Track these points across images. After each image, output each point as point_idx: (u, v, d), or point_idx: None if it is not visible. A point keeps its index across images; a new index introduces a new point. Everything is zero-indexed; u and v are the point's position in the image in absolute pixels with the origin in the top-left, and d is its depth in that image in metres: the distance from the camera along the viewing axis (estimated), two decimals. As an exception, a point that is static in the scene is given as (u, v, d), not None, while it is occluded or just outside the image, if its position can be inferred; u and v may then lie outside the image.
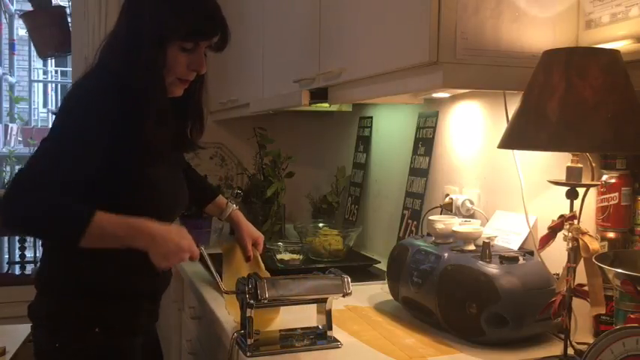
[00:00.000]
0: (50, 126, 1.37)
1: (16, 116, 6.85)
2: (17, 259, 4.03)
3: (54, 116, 1.39)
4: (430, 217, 1.63)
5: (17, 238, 4.01)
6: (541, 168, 1.50)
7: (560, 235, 1.19)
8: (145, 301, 1.49)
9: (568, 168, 1.17)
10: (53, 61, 8.11)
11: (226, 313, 1.49)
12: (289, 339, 1.38)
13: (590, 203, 1.31)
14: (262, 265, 1.66)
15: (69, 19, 3.46)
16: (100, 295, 1.38)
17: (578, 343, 1.23)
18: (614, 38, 1.17)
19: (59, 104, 1.38)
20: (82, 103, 1.33)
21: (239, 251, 1.68)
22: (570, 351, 1.21)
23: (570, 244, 1.16)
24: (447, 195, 1.85)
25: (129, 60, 1.34)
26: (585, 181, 1.20)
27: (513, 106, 1.24)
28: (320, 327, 1.39)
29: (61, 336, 1.37)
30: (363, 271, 2.05)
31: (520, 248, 1.53)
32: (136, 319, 1.46)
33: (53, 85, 9.16)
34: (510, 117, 1.28)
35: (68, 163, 1.26)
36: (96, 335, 1.37)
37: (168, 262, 1.29)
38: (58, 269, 1.40)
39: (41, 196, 1.22)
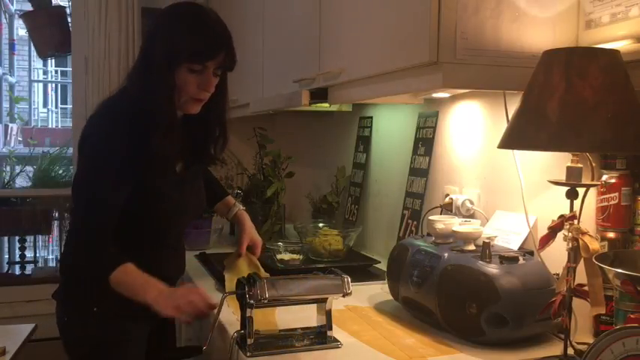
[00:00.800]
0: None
1: (16, 116, 6.84)
2: (17, 259, 4.03)
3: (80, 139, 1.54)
4: (430, 217, 1.63)
5: (17, 238, 4.01)
6: (541, 168, 1.49)
7: (560, 235, 1.19)
8: None
9: (568, 168, 1.17)
10: (53, 61, 8.10)
11: (226, 313, 1.48)
12: (289, 339, 1.38)
13: (590, 203, 1.31)
14: (262, 270, 1.67)
15: (69, 19, 3.46)
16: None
17: (578, 343, 1.23)
18: (614, 38, 1.17)
19: (84, 129, 1.52)
20: (101, 136, 1.46)
21: (240, 259, 1.70)
22: (570, 351, 1.21)
23: (570, 244, 1.16)
24: (447, 195, 1.85)
25: (142, 83, 1.46)
26: (585, 181, 1.20)
27: (513, 106, 1.24)
28: (320, 327, 1.39)
29: (69, 311, 1.57)
30: (363, 271, 2.05)
31: (520, 248, 1.53)
32: (134, 305, 1.48)
33: (53, 85, 9.15)
34: (510, 117, 1.28)
35: (107, 203, 1.43)
36: (95, 315, 1.51)
37: (178, 311, 1.36)
38: (69, 257, 1.56)
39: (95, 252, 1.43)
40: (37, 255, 4.38)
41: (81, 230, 1.45)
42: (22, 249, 3.96)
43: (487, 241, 1.37)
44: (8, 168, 4.39)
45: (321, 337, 1.38)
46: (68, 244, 1.58)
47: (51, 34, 3.56)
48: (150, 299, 1.38)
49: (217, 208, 1.87)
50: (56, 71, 9.03)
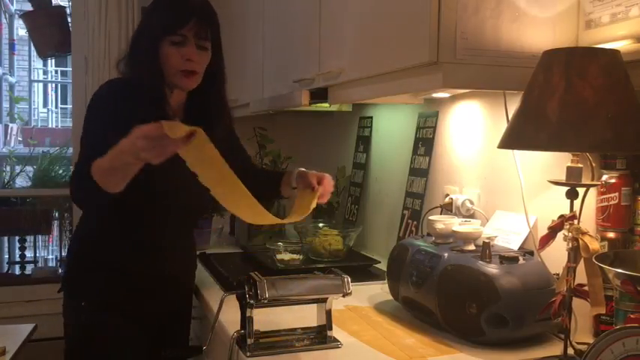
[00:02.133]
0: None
1: (16, 116, 6.84)
2: (17, 259, 4.03)
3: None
4: (430, 217, 1.63)
5: (17, 238, 4.01)
6: (541, 168, 1.49)
7: (560, 235, 1.19)
8: (143, 282, 1.59)
9: (568, 168, 1.17)
10: (53, 61, 8.10)
11: (226, 313, 1.48)
12: (289, 339, 1.38)
13: (590, 203, 1.31)
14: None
15: (69, 19, 3.46)
16: (94, 267, 1.58)
17: (578, 343, 1.23)
18: (614, 38, 1.17)
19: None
20: (98, 107, 1.53)
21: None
22: (570, 351, 1.21)
23: (570, 244, 1.16)
24: (447, 195, 1.85)
25: (131, 61, 1.57)
26: (585, 181, 1.20)
27: (513, 106, 1.24)
28: (320, 327, 1.39)
29: (65, 299, 1.63)
30: (363, 271, 2.05)
31: (520, 248, 1.53)
32: (122, 302, 1.57)
33: (53, 85, 9.14)
34: (510, 117, 1.28)
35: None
36: (83, 308, 1.56)
37: (148, 157, 1.26)
38: (77, 246, 1.65)
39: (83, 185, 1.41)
40: (37, 255, 4.38)
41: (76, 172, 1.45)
42: (22, 249, 3.96)
43: (487, 241, 1.37)
44: (8, 168, 4.38)
45: (321, 337, 1.38)
46: (82, 236, 1.65)
47: (51, 34, 3.56)
48: (124, 151, 1.28)
49: (283, 190, 1.80)
50: (56, 71, 9.03)
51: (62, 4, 4.03)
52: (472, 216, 1.74)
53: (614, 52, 1.11)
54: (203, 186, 1.59)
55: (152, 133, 1.23)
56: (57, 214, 3.89)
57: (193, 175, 1.51)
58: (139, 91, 1.52)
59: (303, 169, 1.76)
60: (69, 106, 7.32)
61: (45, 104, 9.16)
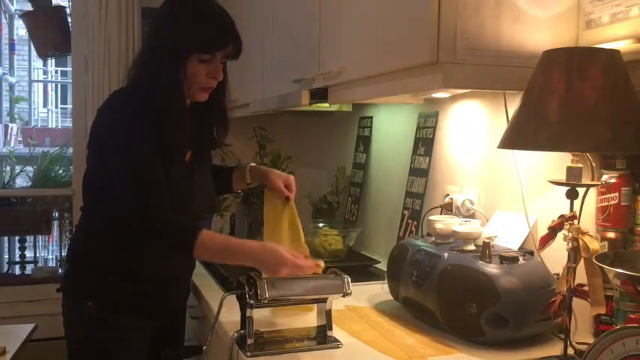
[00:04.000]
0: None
1: (16, 116, 6.84)
2: (17, 259, 4.03)
3: (91, 135, 1.58)
4: (430, 217, 1.63)
5: (17, 238, 4.01)
6: (541, 168, 1.49)
7: (560, 235, 1.19)
8: (145, 284, 1.58)
9: (568, 168, 1.17)
10: (53, 61, 8.09)
11: (226, 313, 1.48)
12: (289, 339, 1.38)
13: (590, 203, 1.31)
14: (302, 231, 1.67)
15: (69, 19, 3.46)
16: (101, 271, 1.56)
17: (578, 343, 1.23)
18: (614, 38, 1.17)
19: (95, 121, 1.57)
20: (122, 132, 1.49)
21: (276, 201, 1.69)
22: (570, 351, 1.21)
23: (570, 244, 1.16)
24: (447, 195, 1.85)
25: (152, 75, 1.48)
26: (585, 181, 1.20)
27: (513, 106, 1.24)
28: (320, 327, 1.39)
29: (66, 300, 1.62)
30: (363, 271, 2.05)
31: (520, 248, 1.53)
32: (130, 303, 1.57)
33: (53, 85, 9.14)
34: (510, 117, 1.28)
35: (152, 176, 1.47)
36: (89, 308, 1.54)
37: (279, 273, 1.38)
38: (78, 247, 1.64)
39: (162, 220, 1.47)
40: (37, 255, 4.38)
41: (141, 218, 1.46)
42: (22, 249, 3.96)
43: (487, 241, 1.37)
44: (8, 168, 4.38)
45: (321, 337, 1.38)
46: (81, 235, 1.65)
47: (51, 34, 3.56)
48: (252, 257, 1.41)
49: (235, 185, 1.86)
50: (56, 71, 9.02)
51: (62, 4, 4.03)
52: (472, 216, 1.74)
53: (614, 52, 1.11)
54: (209, 193, 1.71)
55: (309, 270, 1.38)
56: (57, 214, 3.88)
57: (201, 183, 1.58)
58: (161, 105, 1.48)
59: (254, 164, 1.83)
60: (69, 106, 7.32)
61: (45, 104, 9.16)
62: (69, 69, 5.13)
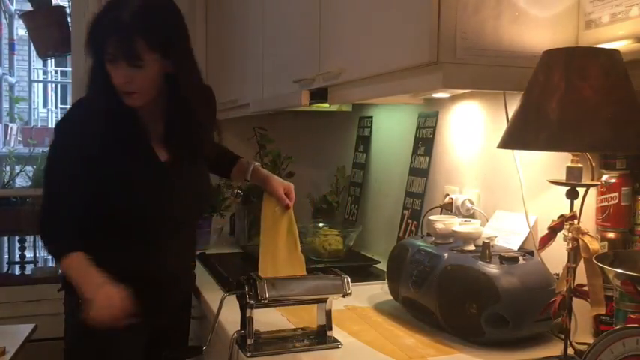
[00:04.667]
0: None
1: (16, 116, 6.84)
2: (17, 259, 4.02)
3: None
4: (430, 217, 1.63)
5: (17, 238, 4.01)
6: (541, 168, 1.49)
7: (560, 235, 1.19)
8: (134, 283, 1.55)
9: (568, 168, 1.17)
10: (53, 61, 8.10)
11: (226, 313, 1.48)
12: (289, 339, 1.38)
13: (590, 203, 1.31)
14: (298, 239, 1.68)
15: (69, 19, 3.45)
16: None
17: (578, 343, 1.23)
18: (614, 38, 1.17)
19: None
20: (60, 138, 1.55)
21: (274, 207, 1.71)
22: (570, 351, 1.21)
23: (570, 244, 1.16)
24: (447, 195, 1.85)
25: (88, 80, 1.54)
26: (585, 181, 1.20)
27: (513, 106, 1.24)
28: (320, 327, 1.39)
29: (65, 299, 1.64)
30: (363, 271, 2.05)
31: (520, 248, 1.53)
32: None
33: (53, 85, 9.14)
34: (510, 117, 1.28)
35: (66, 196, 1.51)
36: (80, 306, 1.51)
37: (95, 317, 1.41)
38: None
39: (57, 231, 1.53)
40: (37, 255, 4.38)
41: (44, 215, 1.54)
42: (22, 249, 3.96)
43: (487, 241, 1.37)
44: (8, 168, 4.38)
45: (321, 337, 1.38)
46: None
47: (51, 34, 3.56)
48: (87, 295, 1.43)
49: (233, 175, 1.88)
50: (56, 71, 9.03)
51: (62, 4, 4.03)
52: (472, 216, 1.74)
53: (614, 52, 1.11)
54: (196, 196, 1.69)
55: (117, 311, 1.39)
56: (57, 214, 3.88)
57: (182, 186, 1.57)
58: (98, 113, 1.50)
59: (258, 165, 1.84)
60: (69, 106, 7.31)
61: (45, 104, 9.16)
62: (69, 69, 5.14)
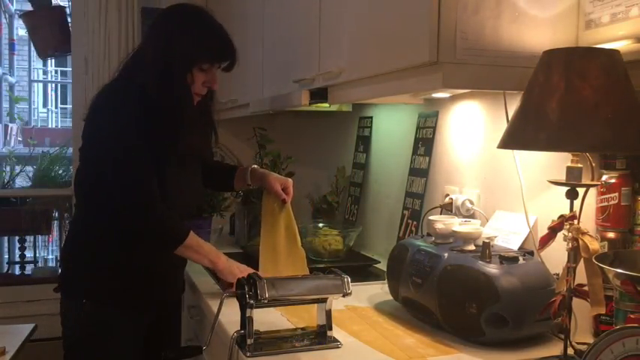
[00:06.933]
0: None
1: (16, 116, 6.85)
2: (17, 259, 4.03)
3: (85, 123, 1.62)
4: (430, 217, 1.63)
5: (17, 238, 4.01)
6: (541, 168, 1.49)
7: (560, 235, 1.19)
8: (138, 277, 1.61)
9: (568, 168, 1.17)
10: (53, 61, 8.11)
11: (226, 313, 1.49)
12: (289, 339, 1.38)
13: (590, 203, 1.31)
14: (298, 235, 1.71)
15: (69, 19, 3.46)
16: (93, 267, 1.59)
17: (578, 343, 1.23)
18: (614, 38, 1.17)
19: (88, 113, 1.61)
20: (113, 108, 1.56)
21: (274, 204, 1.75)
22: (570, 351, 1.21)
23: (570, 244, 1.16)
24: (447, 195, 1.85)
25: (160, 77, 1.54)
26: (585, 181, 1.20)
27: (513, 106, 1.24)
28: (320, 327, 1.39)
29: (63, 299, 1.64)
30: (363, 271, 2.05)
31: (520, 248, 1.53)
32: (124, 299, 1.59)
33: (53, 85, 9.15)
34: (510, 117, 1.28)
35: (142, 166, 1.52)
36: (84, 306, 1.57)
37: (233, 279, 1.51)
38: (73, 245, 1.66)
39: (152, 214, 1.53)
40: (37, 255, 4.39)
41: (129, 216, 1.51)
42: (22, 249, 3.96)
43: (487, 241, 1.37)
44: (8, 168, 4.38)
45: (321, 337, 1.38)
46: (73, 232, 1.68)
47: (51, 34, 3.56)
48: (220, 266, 1.61)
49: (236, 185, 1.94)
50: (56, 71, 9.03)
51: (62, 4, 4.03)
52: (472, 216, 1.74)
53: (614, 52, 1.11)
54: (196, 191, 1.78)
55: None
56: (57, 214, 3.89)
57: (192, 178, 1.61)
58: (176, 112, 1.56)
59: (256, 166, 1.89)
60: (69, 106, 7.33)
61: (45, 104, 9.16)
62: (69, 69, 5.14)
